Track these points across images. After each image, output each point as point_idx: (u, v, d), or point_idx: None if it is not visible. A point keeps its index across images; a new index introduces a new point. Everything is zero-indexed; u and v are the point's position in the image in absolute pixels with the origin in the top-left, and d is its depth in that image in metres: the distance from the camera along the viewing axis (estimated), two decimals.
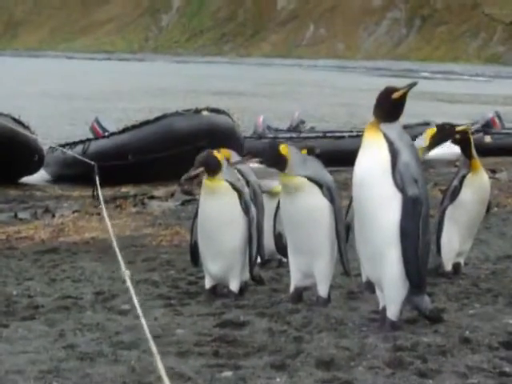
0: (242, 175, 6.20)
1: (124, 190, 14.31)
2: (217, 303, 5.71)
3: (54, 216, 11.07)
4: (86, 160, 11.50)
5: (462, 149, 6.61)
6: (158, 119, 16.08)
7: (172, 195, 13.19)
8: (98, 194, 11.17)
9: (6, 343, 4.84)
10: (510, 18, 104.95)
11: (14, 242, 8.95)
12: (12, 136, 14.81)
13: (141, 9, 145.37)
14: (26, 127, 15.42)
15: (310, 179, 5.42)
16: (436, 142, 6.20)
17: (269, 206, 6.53)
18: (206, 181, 5.81)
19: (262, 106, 33.68)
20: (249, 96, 43.87)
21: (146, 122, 16.17)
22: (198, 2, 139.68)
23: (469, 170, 6.51)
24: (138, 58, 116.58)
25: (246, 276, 5.97)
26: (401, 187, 4.72)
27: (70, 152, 15.09)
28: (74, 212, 11.27)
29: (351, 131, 20.23)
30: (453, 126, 6.46)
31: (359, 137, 5.19)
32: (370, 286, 5.04)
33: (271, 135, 19.29)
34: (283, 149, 5.47)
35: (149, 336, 3.35)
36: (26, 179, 16.07)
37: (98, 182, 9.21)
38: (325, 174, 5.51)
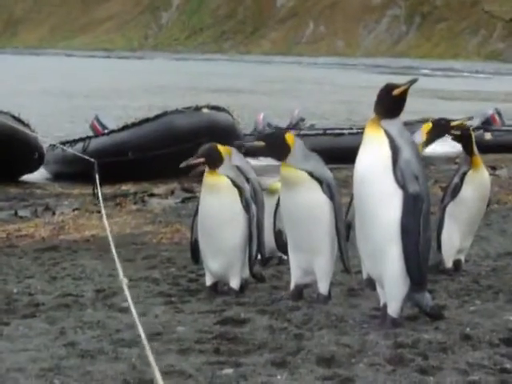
0: (242, 172, 6.19)
1: (124, 187, 14.31)
2: (217, 300, 5.71)
3: (54, 214, 11.07)
4: (86, 157, 11.50)
5: (463, 146, 6.61)
6: (158, 117, 16.08)
7: (172, 193, 13.20)
8: (97, 192, 11.18)
9: (6, 341, 4.84)
10: (510, 15, 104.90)
11: (15, 240, 8.95)
12: (12, 134, 14.81)
13: (140, 6, 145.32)
14: (26, 125, 15.42)
15: (311, 174, 5.42)
16: (432, 137, 6.20)
17: (267, 203, 6.53)
18: (206, 177, 5.81)
19: (262, 103, 33.67)
20: (249, 93, 43.87)
21: (146, 120, 16.17)
22: None
23: (470, 167, 6.51)
24: (137, 56, 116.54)
25: (247, 273, 5.97)
26: (402, 184, 4.72)
27: (70, 150, 15.10)
28: (74, 210, 11.27)
29: (351, 128, 20.23)
30: (448, 121, 6.46)
31: (359, 134, 5.19)
32: (371, 283, 5.04)
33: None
34: (289, 137, 5.46)
35: (143, 336, 3.34)
36: (26, 177, 16.07)
37: (97, 180, 9.21)
38: (325, 171, 5.50)
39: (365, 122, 5.15)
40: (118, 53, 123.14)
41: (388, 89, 4.85)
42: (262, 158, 13.21)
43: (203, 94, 35.26)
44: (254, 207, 5.89)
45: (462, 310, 5.30)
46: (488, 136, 20.26)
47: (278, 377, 4.08)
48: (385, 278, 4.83)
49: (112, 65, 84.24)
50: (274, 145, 5.49)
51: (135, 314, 3.61)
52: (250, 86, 51.13)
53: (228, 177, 5.78)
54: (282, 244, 6.44)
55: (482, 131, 20.01)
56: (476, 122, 21.39)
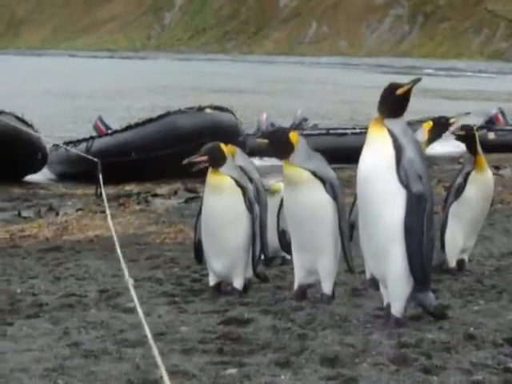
0: (245, 173, 6.19)
1: (127, 188, 14.32)
2: (221, 301, 5.71)
3: (57, 214, 11.08)
4: (90, 157, 11.51)
5: (467, 145, 6.61)
6: (161, 117, 16.09)
7: (175, 193, 13.21)
8: (101, 192, 11.19)
9: (10, 341, 4.85)
10: None
11: (18, 241, 8.96)
12: (15, 134, 14.83)
13: (143, 7, 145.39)
14: (30, 125, 15.44)
15: (314, 174, 5.42)
16: (434, 135, 6.22)
17: (269, 203, 6.53)
18: (209, 177, 5.81)
19: (265, 103, 33.68)
20: (251, 93, 43.88)
21: (150, 120, 16.18)
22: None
23: (473, 167, 6.51)
24: (140, 56, 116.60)
25: (250, 273, 5.97)
26: (405, 183, 4.72)
27: (73, 150, 15.11)
28: (77, 210, 11.28)
29: (354, 128, 20.23)
30: (447, 119, 6.50)
31: (362, 134, 5.21)
32: (375, 283, 5.04)
33: None
34: (293, 136, 5.47)
35: (150, 336, 3.35)
36: (29, 177, 16.09)
37: (101, 180, 9.21)
38: (328, 171, 5.50)
39: (368, 121, 5.15)
40: (120, 53, 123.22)
41: (391, 88, 4.85)
42: (266, 159, 13.23)
43: (206, 94, 35.29)
44: (257, 207, 5.89)
45: (465, 309, 5.30)
46: (491, 135, 20.24)
47: (282, 377, 4.09)
48: (388, 278, 4.82)
49: (115, 65, 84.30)
50: (277, 143, 5.49)
51: (141, 315, 3.61)
52: (252, 86, 51.13)
53: (231, 177, 5.78)
54: (285, 244, 6.44)
55: (485, 131, 19.99)
56: (479, 122, 21.38)
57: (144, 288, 6.20)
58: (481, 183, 6.51)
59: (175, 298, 5.91)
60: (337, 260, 5.56)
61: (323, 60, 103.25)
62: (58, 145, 16.52)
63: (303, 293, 5.64)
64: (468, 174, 6.51)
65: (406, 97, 4.83)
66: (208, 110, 15.99)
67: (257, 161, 6.89)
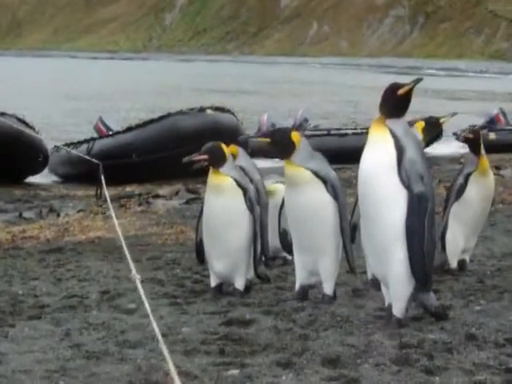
0: (246, 174, 6.20)
1: (128, 189, 14.32)
2: (222, 301, 5.71)
3: (58, 215, 11.08)
4: (91, 159, 11.51)
5: (471, 146, 6.60)
6: (162, 118, 16.10)
7: (177, 194, 13.20)
8: (102, 193, 11.19)
9: (12, 343, 4.85)
10: None
11: (20, 242, 8.96)
12: (17, 136, 14.84)
13: (144, 8, 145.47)
14: (31, 127, 15.46)
15: (315, 174, 5.42)
16: (426, 135, 6.23)
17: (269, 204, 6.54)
18: (210, 177, 5.81)
19: (266, 104, 33.69)
20: (253, 94, 43.88)
21: (151, 121, 16.19)
22: (201, 0, 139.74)
23: (475, 168, 6.50)
24: (141, 57, 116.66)
25: (252, 274, 5.98)
26: (407, 184, 4.72)
27: (74, 151, 15.12)
28: (78, 211, 11.28)
29: (355, 128, 20.23)
30: (438, 119, 6.56)
31: (363, 134, 5.21)
32: (376, 284, 5.04)
33: None
34: (294, 135, 5.47)
35: (159, 336, 3.35)
36: (30, 179, 16.09)
37: (103, 181, 9.21)
38: (329, 171, 5.50)
39: (369, 122, 5.15)
40: (121, 54, 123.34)
41: (393, 89, 4.85)
42: (267, 159, 13.21)
43: (207, 95, 35.31)
44: (257, 208, 5.89)
45: (467, 310, 5.30)
46: (492, 135, 20.23)
47: (284, 377, 4.09)
48: (390, 278, 4.83)
49: (116, 66, 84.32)
50: (279, 142, 5.49)
51: (149, 311, 3.61)
52: (253, 86, 51.14)
53: (232, 177, 5.78)
54: (287, 244, 6.45)
55: (486, 131, 19.99)
56: (480, 122, 21.39)
57: (145, 289, 6.19)
58: (481, 184, 6.51)
59: (177, 299, 5.91)
60: (338, 260, 5.56)
61: (324, 60, 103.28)
62: (58, 146, 16.53)
63: (305, 293, 5.64)
64: (469, 174, 6.50)
65: (407, 97, 4.83)
66: (209, 111, 16.00)
67: (259, 162, 6.89)
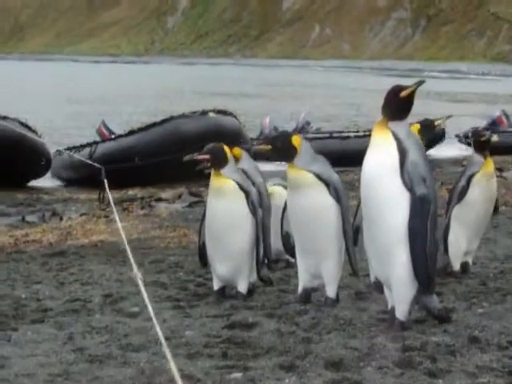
0: (248, 177, 6.20)
1: (131, 192, 14.32)
2: (225, 305, 5.71)
3: (61, 219, 11.08)
4: (93, 163, 11.52)
5: (478, 148, 6.58)
6: (164, 121, 16.10)
7: (179, 197, 13.20)
8: (105, 197, 11.20)
9: (15, 346, 4.85)
10: None
11: (22, 246, 8.96)
12: (19, 140, 14.85)
13: (146, 11, 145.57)
14: (33, 131, 15.47)
15: (318, 177, 5.42)
16: (422, 137, 6.24)
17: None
18: (212, 180, 5.81)
19: (268, 107, 33.68)
20: (255, 97, 43.89)
21: (153, 125, 16.19)
22: (203, 3, 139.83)
23: (479, 169, 6.49)
24: (143, 61, 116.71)
25: (254, 277, 5.97)
26: (409, 186, 4.72)
27: (76, 155, 15.13)
28: (81, 215, 11.28)
29: (357, 131, 20.23)
30: (432, 121, 6.58)
31: (366, 137, 5.22)
32: (379, 286, 5.04)
33: None
34: (295, 139, 5.48)
35: (162, 339, 3.35)
36: (33, 183, 16.10)
37: (106, 185, 9.22)
38: (332, 174, 5.51)
39: (371, 124, 5.15)
40: (124, 58, 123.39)
41: (395, 91, 4.85)
42: (269, 163, 13.25)
43: (209, 98, 35.32)
44: (260, 211, 5.89)
45: (469, 312, 5.30)
46: (495, 137, 20.19)
47: (287, 380, 4.09)
48: (392, 281, 4.82)
49: (118, 70, 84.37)
50: (280, 147, 5.50)
51: (152, 314, 3.61)
52: (255, 89, 51.15)
53: (234, 180, 5.78)
54: (289, 247, 6.45)
55: (489, 133, 19.95)
56: (483, 124, 21.36)
57: (148, 292, 6.19)
58: (484, 185, 6.50)
59: (180, 302, 5.91)
60: (341, 263, 5.56)
61: (326, 63, 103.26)
62: (61, 150, 16.54)
63: (307, 296, 5.64)
64: (472, 176, 6.50)
65: (409, 99, 4.83)
66: (211, 114, 16.00)
67: (262, 165, 6.89)
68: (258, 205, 5.88)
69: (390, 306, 4.96)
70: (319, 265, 5.51)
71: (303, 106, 30.92)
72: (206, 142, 6.06)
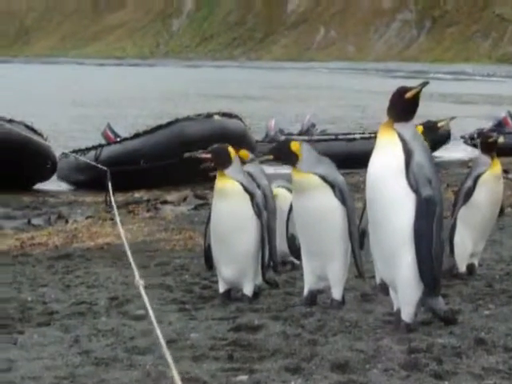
0: (254, 179, 6.20)
1: (137, 195, 14.34)
2: (231, 307, 5.71)
3: (67, 222, 11.10)
4: (99, 166, 11.53)
5: (484, 149, 6.57)
6: (169, 124, 16.11)
7: (185, 200, 13.21)
8: (110, 200, 11.22)
9: (21, 349, 4.86)
10: None
11: (28, 249, 8.98)
12: (25, 143, 14.88)
13: (151, 14, 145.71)
14: (39, 134, 15.49)
15: (323, 179, 5.42)
16: (425, 139, 6.24)
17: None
18: (217, 182, 5.80)
19: (274, 109, 33.70)
20: (260, 100, 43.90)
21: (158, 127, 16.20)
22: (208, 6, 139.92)
23: (485, 170, 6.47)
24: (148, 64, 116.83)
25: (260, 280, 5.97)
26: (415, 188, 4.72)
27: (82, 158, 15.15)
28: (87, 218, 11.30)
29: (363, 133, 20.22)
30: (435, 122, 6.57)
31: (371, 138, 5.22)
32: (384, 288, 5.03)
33: (283, 138, 19.29)
34: (294, 145, 5.49)
35: (163, 342, 3.35)
36: (39, 186, 16.12)
37: (110, 188, 9.23)
38: (337, 176, 5.50)
39: (376, 126, 5.16)
40: (129, 60, 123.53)
41: (400, 92, 4.85)
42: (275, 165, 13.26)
43: (214, 101, 35.36)
44: (265, 213, 5.88)
45: (476, 314, 5.29)
46: (500, 139, 20.16)
47: (292, 383, 4.09)
48: (398, 283, 4.82)
49: (123, 72, 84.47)
50: (281, 156, 5.53)
51: (154, 320, 3.61)
52: (260, 92, 51.17)
53: (239, 182, 5.78)
54: (295, 249, 6.44)
55: (495, 134, 19.93)
56: (488, 125, 21.35)
57: (154, 295, 6.21)
58: (490, 187, 6.49)
59: (185, 304, 5.92)
60: (347, 265, 5.55)
61: (331, 65, 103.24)
62: (66, 153, 16.57)
63: (313, 298, 5.63)
64: (478, 176, 6.47)
65: (415, 100, 4.83)
66: (216, 117, 16.00)
67: (267, 167, 6.89)
68: (264, 207, 5.88)
69: (395, 308, 4.95)
70: (325, 267, 5.51)
71: (308, 108, 30.94)
72: (211, 144, 6.05)
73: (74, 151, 16.67)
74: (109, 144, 16.65)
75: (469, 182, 6.50)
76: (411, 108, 4.84)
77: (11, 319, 5.64)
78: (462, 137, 21.64)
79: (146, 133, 16.24)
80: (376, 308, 5.49)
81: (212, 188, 6.01)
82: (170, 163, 14.97)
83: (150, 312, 3.69)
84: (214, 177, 5.87)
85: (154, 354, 4.60)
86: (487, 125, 21.82)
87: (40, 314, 5.78)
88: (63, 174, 16.78)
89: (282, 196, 6.82)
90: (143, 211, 11.86)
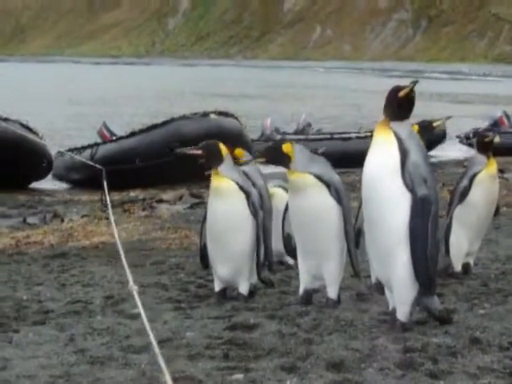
0: (249, 178, 6.19)
1: (132, 194, 14.33)
2: (226, 306, 5.71)
3: (63, 221, 11.08)
4: (94, 164, 11.52)
5: (481, 149, 6.57)
6: (165, 123, 16.10)
7: (180, 198, 13.21)
8: (106, 199, 11.21)
9: (16, 348, 4.86)
10: None
11: (24, 247, 8.97)
12: (20, 141, 14.85)
13: (147, 13, 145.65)
14: (34, 132, 15.46)
15: (318, 178, 5.42)
16: (422, 138, 6.25)
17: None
18: (212, 181, 5.80)
19: (269, 108, 33.69)
20: (256, 98, 43.91)
21: (154, 126, 16.19)
22: (204, 5, 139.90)
23: (481, 170, 6.47)
24: (144, 62, 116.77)
25: (255, 279, 5.97)
26: (410, 187, 4.72)
27: (78, 157, 15.13)
28: (82, 217, 11.28)
29: (358, 132, 20.23)
30: (430, 122, 6.58)
31: (367, 138, 5.23)
32: (380, 288, 5.04)
33: (279, 138, 19.29)
34: (285, 147, 5.48)
35: (154, 343, 3.35)
36: (34, 184, 16.11)
37: (105, 187, 9.22)
38: (333, 175, 5.51)
39: (372, 125, 5.16)
40: (125, 59, 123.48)
41: (395, 91, 4.86)
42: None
43: (210, 100, 35.33)
44: (260, 212, 5.88)
45: (471, 313, 5.30)
46: (496, 138, 20.17)
47: (288, 382, 4.09)
48: (393, 282, 4.82)
49: (119, 71, 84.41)
50: (273, 158, 5.52)
51: (146, 323, 3.62)
52: (256, 91, 51.18)
53: (234, 181, 5.77)
54: (291, 249, 6.44)
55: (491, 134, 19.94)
56: (484, 125, 21.37)
57: (149, 294, 6.21)
58: (486, 186, 6.49)
59: (181, 303, 5.92)
60: (342, 264, 5.56)
61: (327, 64, 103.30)
62: (62, 152, 16.55)
63: (309, 298, 5.64)
64: (474, 176, 6.48)
65: (409, 99, 4.83)
66: (212, 116, 16.00)
67: (263, 167, 6.89)
68: (259, 206, 5.88)
69: (391, 308, 4.96)
70: (321, 266, 5.51)
71: (304, 107, 30.96)
72: None
73: (70, 150, 16.66)
74: (104, 143, 16.64)
75: (464, 182, 6.51)
76: (406, 107, 4.85)
77: (6, 318, 5.64)
78: (458, 136, 21.66)
79: (141, 131, 16.23)
80: (371, 307, 5.50)
81: (208, 187, 6.01)
82: (166, 162, 14.97)
83: (143, 315, 3.69)
84: (210, 175, 5.87)
85: (150, 353, 4.60)
86: (483, 124, 21.84)
87: (35, 313, 5.78)
88: (59, 173, 16.76)
89: (279, 195, 6.82)
90: (139, 210, 11.85)
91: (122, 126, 18.73)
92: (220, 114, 16.26)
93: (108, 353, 4.66)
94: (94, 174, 11.84)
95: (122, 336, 5.02)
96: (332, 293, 5.55)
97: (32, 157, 15.15)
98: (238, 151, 6.32)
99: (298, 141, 18.57)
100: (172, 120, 16.11)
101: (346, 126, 25.17)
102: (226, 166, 5.78)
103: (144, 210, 11.94)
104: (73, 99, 40.66)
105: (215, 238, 5.83)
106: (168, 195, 13.63)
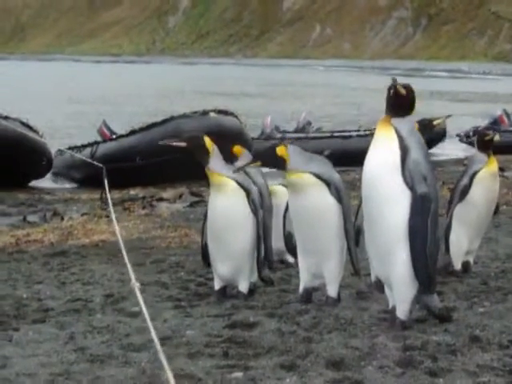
0: (249, 177, 6.19)
1: (132, 192, 14.33)
2: (226, 304, 5.72)
3: (62, 219, 11.09)
4: (95, 163, 11.52)
5: (481, 147, 6.57)
6: (165, 121, 16.09)
7: (180, 197, 13.21)
8: (106, 197, 11.21)
9: (16, 346, 4.86)
10: None
11: (24, 246, 8.97)
12: (20, 139, 14.86)
13: (148, 11, 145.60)
14: (35, 131, 15.47)
15: (318, 177, 5.42)
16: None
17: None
18: (211, 180, 5.78)
19: (269, 106, 33.68)
20: (256, 97, 43.89)
21: (154, 125, 16.19)
22: (204, 3, 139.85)
23: (481, 168, 6.47)
24: (144, 61, 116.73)
25: (255, 277, 5.97)
26: (410, 185, 4.72)
27: (78, 155, 15.13)
28: (82, 215, 11.29)
29: (358, 130, 20.22)
30: (431, 120, 6.57)
31: (367, 136, 5.22)
32: (380, 286, 5.04)
33: (279, 136, 19.29)
34: (280, 150, 5.47)
35: (156, 341, 3.35)
36: (34, 183, 16.11)
37: (106, 185, 9.22)
38: (333, 173, 5.50)
39: (372, 124, 5.17)
40: (125, 57, 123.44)
41: (395, 88, 4.85)
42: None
43: (210, 98, 35.31)
44: (261, 211, 5.88)
45: (470, 311, 5.30)
46: (496, 137, 20.16)
47: (287, 380, 4.09)
48: (393, 280, 4.82)
49: (119, 69, 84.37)
50: (268, 162, 5.52)
51: (148, 319, 3.62)
52: (256, 89, 51.16)
53: (234, 179, 5.76)
54: (291, 247, 6.44)
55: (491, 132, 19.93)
56: (484, 123, 21.37)
57: (150, 292, 6.21)
58: (486, 184, 6.49)
59: (181, 302, 5.92)
60: (342, 263, 5.56)
61: (327, 63, 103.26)
62: (62, 150, 16.55)
63: (308, 296, 5.64)
64: (474, 174, 6.48)
65: (408, 95, 4.82)
66: (212, 114, 15.99)
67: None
68: (260, 204, 5.87)
69: (390, 306, 4.96)
70: (321, 264, 5.51)
71: (304, 105, 30.94)
72: None
73: (70, 148, 16.66)
74: (104, 141, 16.64)
75: (465, 180, 6.50)
76: (406, 104, 4.84)
77: (6, 316, 5.64)
78: (458, 135, 21.66)
79: (141, 130, 16.23)
80: (371, 305, 5.50)
81: (208, 185, 6.00)
82: (166, 160, 14.96)
83: (145, 312, 3.70)
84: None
85: (150, 351, 4.61)
86: (483, 123, 21.84)
87: (35, 311, 5.78)
88: (59, 171, 16.77)
89: (279, 193, 6.81)
90: (139, 208, 11.86)
91: (122, 125, 18.73)
92: (220, 112, 16.25)
93: (108, 351, 4.66)
94: (95, 173, 11.86)
95: (121, 334, 5.02)
96: (332, 291, 5.55)
97: (32, 155, 15.15)
98: (237, 148, 6.31)
99: (297, 139, 18.61)
100: (172, 118, 16.10)
101: (345, 124, 25.16)
102: (216, 163, 5.75)
103: (144, 208, 11.94)
104: (73, 97, 40.64)
105: (215, 236, 5.83)
106: (168, 193, 13.63)
